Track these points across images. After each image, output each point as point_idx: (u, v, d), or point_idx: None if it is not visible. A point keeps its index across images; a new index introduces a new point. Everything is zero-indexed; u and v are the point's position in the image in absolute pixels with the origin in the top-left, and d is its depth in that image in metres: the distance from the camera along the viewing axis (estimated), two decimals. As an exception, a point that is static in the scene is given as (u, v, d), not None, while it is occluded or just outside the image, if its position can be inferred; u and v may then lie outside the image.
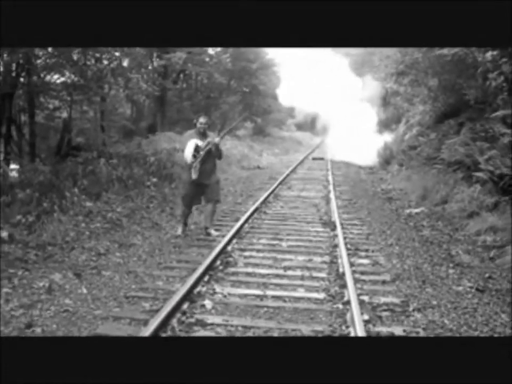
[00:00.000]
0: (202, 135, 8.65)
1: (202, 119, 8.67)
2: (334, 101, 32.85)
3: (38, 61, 14.75)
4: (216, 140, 8.61)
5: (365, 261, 7.57)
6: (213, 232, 8.85)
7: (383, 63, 19.63)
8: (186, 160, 8.53)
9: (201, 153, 8.43)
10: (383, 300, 5.96)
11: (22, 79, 14.77)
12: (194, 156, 8.45)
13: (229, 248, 7.92)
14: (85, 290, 5.98)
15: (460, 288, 6.50)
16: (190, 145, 8.50)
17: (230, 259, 7.35)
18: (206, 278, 6.42)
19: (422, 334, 5.02)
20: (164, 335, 4.07)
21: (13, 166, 14.03)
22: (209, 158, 8.63)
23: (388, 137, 25.50)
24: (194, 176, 8.48)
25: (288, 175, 18.75)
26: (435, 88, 16.31)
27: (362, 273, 6.95)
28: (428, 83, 16.56)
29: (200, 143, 8.49)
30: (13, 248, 7.17)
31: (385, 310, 5.67)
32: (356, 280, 6.50)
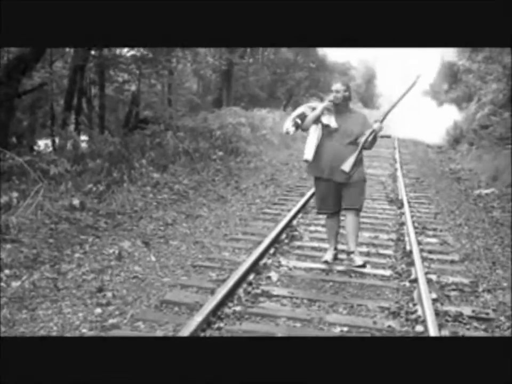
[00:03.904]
0: (340, 109, 5.93)
1: (338, 85, 5.90)
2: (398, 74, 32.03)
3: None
4: (376, 125, 5.87)
5: (433, 240, 7.43)
6: (357, 259, 6.05)
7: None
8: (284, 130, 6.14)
9: (363, 140, 5.84)
10: (451, 279, 5.83)
11: (93, 52, 15.03)
12: (297, 123, 5.97)
13: (294, 222, 7.91)
14: (153, 258, 6.10)
15: (532, 271, 6.30)
16: (293, 114, 6.12)
17: (296, 233, 7.34)
18: (271, 251, 6.43)
19: (492, 315, 4.91)
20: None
21: (83, 137, 14.38)
22: (351, 146, 5.90)
23: (456, 114, 24.83)
24: (308, 156, 5.93)
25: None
26: (510, 65, 15.70)
27: (430, 252, 6.83)
28: (503, 60, 15.95)
29: (326, 118, 5.91)
30: (84, 216, 7.37)
31: (453, 290, 5.55)
32: (424, 259, 6.39)
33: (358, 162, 5.90)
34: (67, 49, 14.67)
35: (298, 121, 5.97)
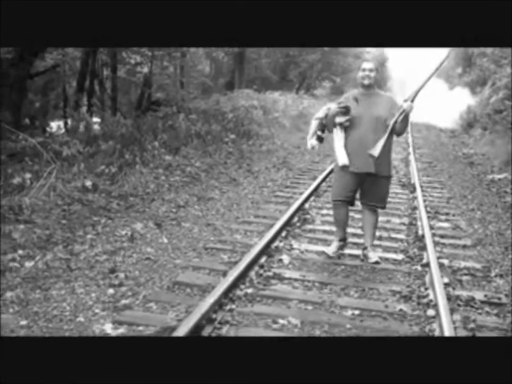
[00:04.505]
0: (368, 92, 5.56)
1: (371, 64, 5.56)
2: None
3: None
4: (406, 105, 5.31)
5: (445, 225, 7.40)
6: (371, 255, 5.74)
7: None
8: (307, 142, 5.82)
9: (392, 121, 5.35)
10: (463, 264, 5.82)
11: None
12: (319, 136, 5.69)
13: (306, 205, 7.90)
14: (165, 240, 6.12)
15: (546, 256, 6.27)
16: (317, 112, 5.80)
17: (308, 216, 7.34)
18: (283, 234, 6.44)
19: (504, 300, 4.90)
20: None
21: (95, 119, 14.39)
22: (381, 131, 5.42)
23: (470, 98, 24.64)
24: (343, 160, 5.51)
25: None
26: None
27: (442, 236, 6.81)
28: (519, 44, 15.76)
29: (354, 104, 5.51)
30: (97, 197, 7.41)
31: (465, 274, 5.53)
32: (436, 243, 6.37)
33: (387, 148, 5.47)
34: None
35: (320, 133, 5.68)
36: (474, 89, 26.79)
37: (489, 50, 20.46)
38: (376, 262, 5.68)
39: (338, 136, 5.58)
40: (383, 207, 5.81)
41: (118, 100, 16.70)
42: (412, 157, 13.35)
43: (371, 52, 41.00)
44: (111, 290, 4.65)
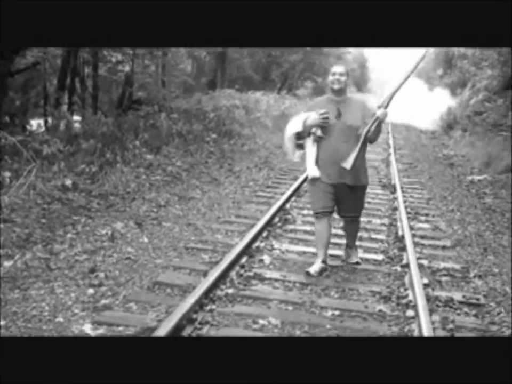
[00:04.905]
0: (337, 96, 5.26)
1: (342, 68, 5.24)
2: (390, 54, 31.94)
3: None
4: (380, 112, 5.08)
5: (425, 225, 7.46)
6: (353, 255, 5.73)
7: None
8: (286, 151, 5.58)
9: (364, 130, 5.09)
10: (442, 264, 5.87)
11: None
12: (299, 145, 5.38)
13: (288, 206, 7.91)
14: (146, 240, 6.10)
15: (524, 257, 6.34)
16: (292, 125, 5.36)
17: (289, 216, 7.35)
18: (264, 234, 6.44)
19: (482, 300, 4.95)
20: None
21: (76, 117, 14.28)
22: (353, 140, 5.16)
23: (450, 100, 24.87)
24: (312, 172, 5.28)
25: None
26: (505, 51, 15.68)
27: (422, 237, 6.86)
28: (498, 46, 15.95)
29: (331, 112, 5.16)
30: (77, 196, 7.35)
31: (444, 275, 5.58)
32: (415, 244, 6.42)
33: (361, 158, 5.21)
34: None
35: (300, 142, 5.35)
36: (455, 90, 27.04)
37: (469, 52, 20.66)
38: (357, 263, 5.67)
39: (310, 146, 5.30)
40: (359, 216, 5.61)
41: (99, 99, 16.58)
42: (392, 158, 13.43)
43: (352, 52, 41.24)
44: (90, 290, 4.63)
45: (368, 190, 9.38)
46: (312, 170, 5.25)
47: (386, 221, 7.58)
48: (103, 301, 4.44)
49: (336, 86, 5.18)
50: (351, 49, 38.42)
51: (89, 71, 17.05)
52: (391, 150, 15.02)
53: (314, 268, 5.34)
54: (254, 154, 13.09)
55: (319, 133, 5.20)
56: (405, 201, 8.54)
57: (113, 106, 17.25)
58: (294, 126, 5.29)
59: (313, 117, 5.16)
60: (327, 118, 5.12)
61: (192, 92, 21.89)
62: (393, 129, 21.81)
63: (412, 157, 14.66)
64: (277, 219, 7.11)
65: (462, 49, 21.73)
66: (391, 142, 17.27)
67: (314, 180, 5.30)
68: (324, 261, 5.39)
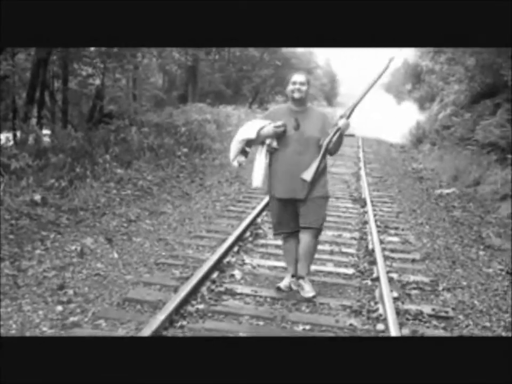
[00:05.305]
0: (297, 106, 5.03)
1: (303, 77, 5.01)
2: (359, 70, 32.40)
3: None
4: (342, 122, 4.90)
5: (395, 239, 7.53)
6: (307, 288, 5.18)
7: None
8: (230, 159, 5.20)
9: (326, 141, 4.90)
10: (412, 278, 5.93)
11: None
12: (245, 151, 5.11)
13: (259, 220, 7.92)
14: (116, 255, 6.04)
15: (490, 270, 6.43)
16: (245, 130, 5.08)
17: (260, 231, 7.36)
18: (235, 249, 6.44)
19: (451, 313, 5.00)
20: (165, 333, 4.09)
21: (45, 131, 14.14)
22: (311, 152, 4.97)
23: (418, 114, 25.23)
24: (256, 182, 5.11)
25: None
26: (472, 67, 15.99)
27: (392, 250, 6.92)
28: (465, 62, 16.23)
29: (290, 121, 4.95)
30: (46, 211, 7.27)
31: (414, 288, 5.63)
32: (386, 257, 6.47)
33: (322, 170, 5.00)
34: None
35: (247, 148, 5.09)
36: (423, 105, 27.43)
37: (437, 67, 20.99)
38: (313, 297, 5.13)
39: (260, 155, 5.05)
40: (317, 228, 5.08)
41: (69, 112, 16.49)
42: (362, 172, 13.55)
43: (323, 66, 41.63)
44: (59, 308, 4.57)
45: (338, 204, 9.59)
46: (256, 180, 5.05)
47: (356, 234, 7.62)
48: (72, 318, 4.38)
49: (296, 95, 4.95)
50: (320, 63, 38.72)
51: (58, 84, 16.94)
52: (361, 164, 15.15)
53: (285, 282, 5.32)
54: (225, 169, 13.07)
55: (274, 144, 4.98)
56: (375, 215, 8.61)
57: (84, 120, 17.12)
58: (247, 131, 5.03)
59: (269, 128, 4.94)
60: (284, 132, 4.93)
61: (163, 106, 21.89)
62: (363, 143, 22.01)
63: (382, 171, 14.79)
64: (248, 233, 7.11)
65: (430, 64, 22.08)
66: (361, 155, 17.41)
67: (270, 197, 5.20)
68: (293, 275, 5.29)
